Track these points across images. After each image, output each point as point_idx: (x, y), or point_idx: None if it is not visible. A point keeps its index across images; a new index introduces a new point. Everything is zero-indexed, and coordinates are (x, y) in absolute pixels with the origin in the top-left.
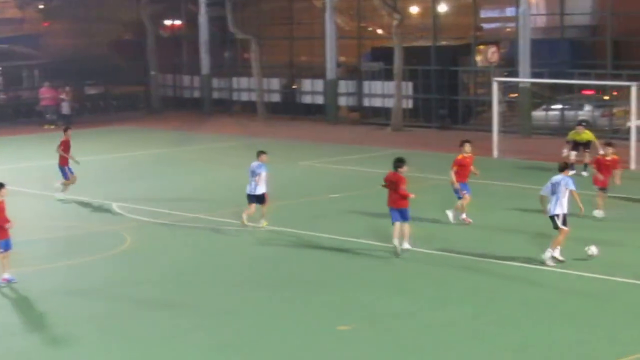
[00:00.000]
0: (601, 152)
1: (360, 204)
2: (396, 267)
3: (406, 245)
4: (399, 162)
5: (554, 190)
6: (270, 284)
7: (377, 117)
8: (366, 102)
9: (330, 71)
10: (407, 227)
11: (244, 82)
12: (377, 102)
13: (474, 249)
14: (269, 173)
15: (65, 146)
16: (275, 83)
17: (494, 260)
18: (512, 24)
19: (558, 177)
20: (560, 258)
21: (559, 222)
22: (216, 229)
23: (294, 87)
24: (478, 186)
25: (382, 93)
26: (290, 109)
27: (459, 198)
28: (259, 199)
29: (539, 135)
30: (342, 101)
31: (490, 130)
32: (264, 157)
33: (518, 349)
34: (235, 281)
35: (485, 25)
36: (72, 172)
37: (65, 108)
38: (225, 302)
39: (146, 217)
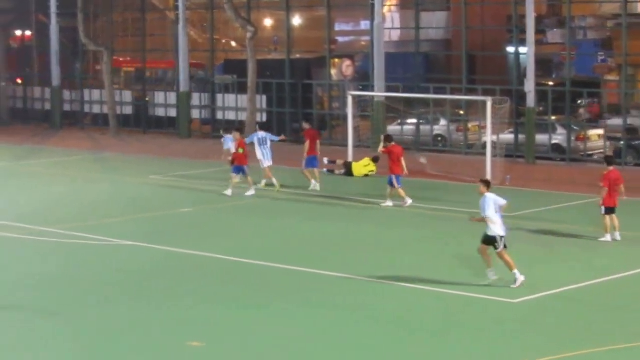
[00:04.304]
0: None
1: (210, 217)
2: (251, 280)
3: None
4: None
5: (496, 210)
6: (116, 297)
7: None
8: (220, 115)
9: (183, 83)
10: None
11: (95, 94)
12: (231, 115)
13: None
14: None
15: None
16: (127, 95)
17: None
18: (367, 38)
19: (493, 195)
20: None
21: (502, 244)
22: (62, 242)
23: (146, 99)
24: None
25: (235, 106)
26: (142, 122)
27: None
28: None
29: None
30: (196, 114)
31: (345, 145)
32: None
33: None
34: (80, 293)
35: (340, 39)
36: None
37: None
38: (70, 313)
39: None
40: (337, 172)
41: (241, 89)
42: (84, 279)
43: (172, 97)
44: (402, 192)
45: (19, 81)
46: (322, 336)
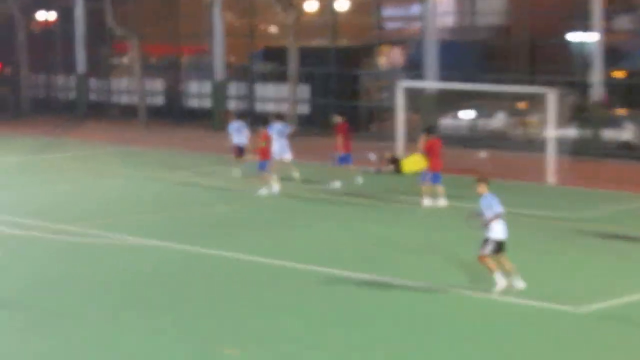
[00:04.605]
0: None
1: (250, 217)
2: (289, 285)
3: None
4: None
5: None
6: (143, 303)
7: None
8: (258, 107)
9: (219, 72)
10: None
11: (123, 83)
12: (270, 107)
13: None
14: None
15: None
16: (158, 85)
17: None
18: (418, 23)
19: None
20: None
21: (491, 249)
22: (83, 242)
23: (179, 89)
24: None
25: (275, 97)
26: (174, 113)
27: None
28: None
29: (448, 146)
30: (232, 105)
31: (393, 139)
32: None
33: None
34: (106, 298)
35: (389, 24)
36: None
37: None
38: (98, 321)
39: (9, 229)
40: (383, 169)
41: (281, 78)
42: (104, 281)
43: (207, 87)
44: (439, 190)
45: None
46: (370, 349)
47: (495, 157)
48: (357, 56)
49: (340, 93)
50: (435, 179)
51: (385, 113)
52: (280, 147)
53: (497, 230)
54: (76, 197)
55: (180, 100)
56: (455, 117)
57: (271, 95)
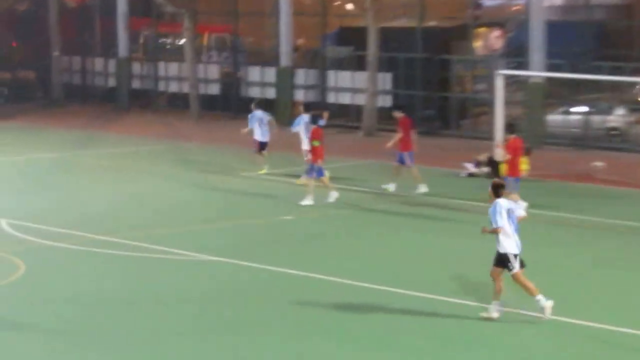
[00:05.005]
0: None
1: (316, 228)
2: (368, 308)
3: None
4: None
5: (512, 219)
6: (196, 326)
7: (344, 116)
8: (331, 98)
9: (285, 56)
10: None
11: (172, 68)
12: (346, 98)
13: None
14: None
15: None
16: (213, 70)
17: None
18: (522, 1)
19: (506, 202)
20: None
21: (517, 264)
22: (132, 256)
23: (238, 76)
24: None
25: (351, 86)
26: (232, 104)
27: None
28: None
29: (555, 147)
30: (300, 96)
31: (490, 138)
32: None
33: None
34: (165, 322)
35: (487, 2)
36: None
37: None
38: (159, 352)
39: (43, 239)
40: (479, 170)
41: (359, 64)
42: (153, 302)
43: (271, 74)
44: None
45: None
46: None
47: (612, 161)
48: (448, 39)
49: (427, 83)
50: (515, 185)
51: (480, 107)
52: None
53: (509, 244)
54: (119, 203)
55: (238, 88)
56: (565, 112)
57: (346, 84)
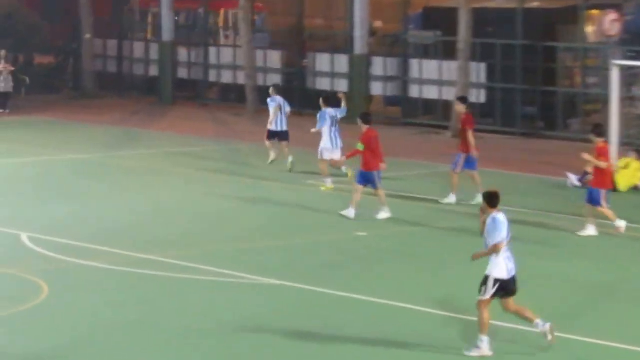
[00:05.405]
0: None
1: (392, 246)
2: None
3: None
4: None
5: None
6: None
7: (429, 114)
8: (414, 92)
9: (359, 43)
10: None
11: (226, 54)
12: (431, 93)
13: None
14: None
15: None
16: (275, 58)
17: None
18: None
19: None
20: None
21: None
22: (174, 277)
23: (303, 64)
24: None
25: (438, 78)
26: (296, 97)
27: None
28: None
29: None
30: (377, 89)
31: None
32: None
33: None
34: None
35: None
36: None
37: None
38: None
39: (70, 257)
40: (583, 185)
41: (448, 52)
42: (204, 334)
43: (343, 63)
44: (609, 212)
45: None
46: None
47: None
48: (554, 23)
49: (528, 75)
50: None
51: (592, 104)
52: (329, 142)
53: (500, 267)
54: (159, 214)
55: (304, 79)
56: None
57: (432, 75)
